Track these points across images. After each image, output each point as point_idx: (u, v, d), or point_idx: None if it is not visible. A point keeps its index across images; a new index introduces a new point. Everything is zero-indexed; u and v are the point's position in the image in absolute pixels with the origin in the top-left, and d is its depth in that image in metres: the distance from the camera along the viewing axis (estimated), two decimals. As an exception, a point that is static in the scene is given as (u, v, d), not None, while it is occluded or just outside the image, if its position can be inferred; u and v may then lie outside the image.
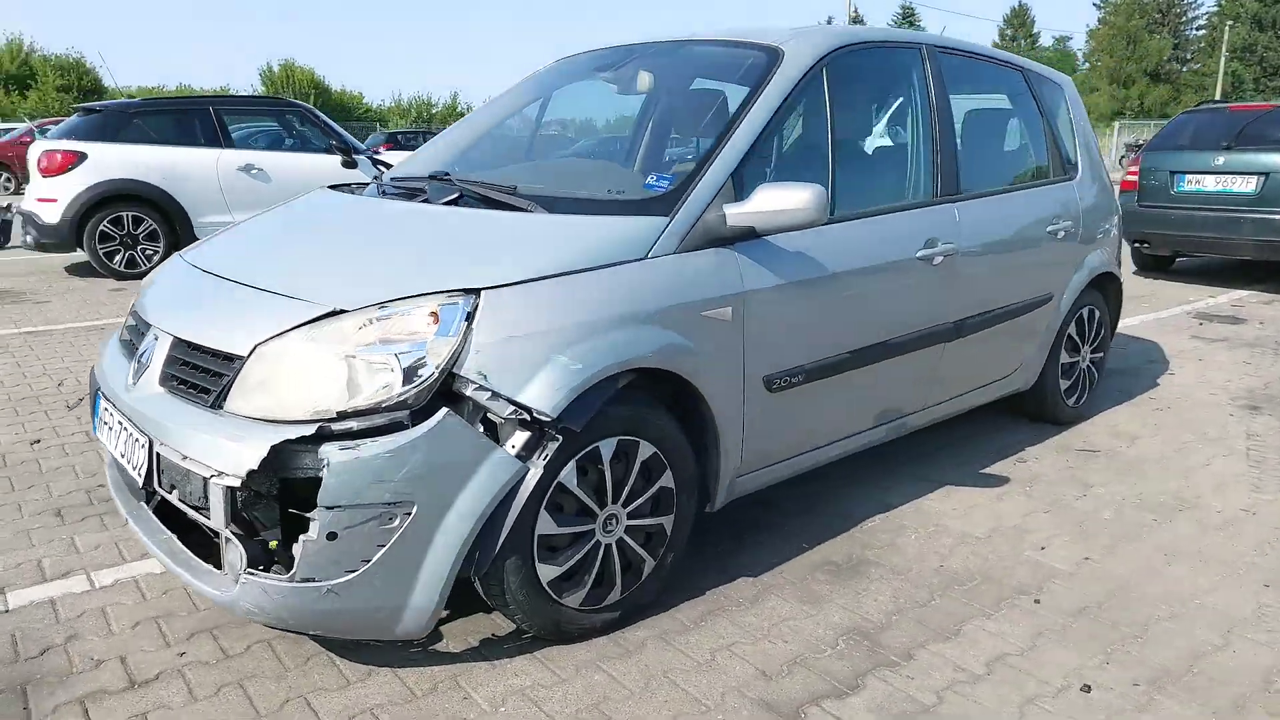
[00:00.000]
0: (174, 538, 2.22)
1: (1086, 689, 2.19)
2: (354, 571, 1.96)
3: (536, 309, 2.11)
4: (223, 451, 1.95)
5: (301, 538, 1.93)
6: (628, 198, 2.48)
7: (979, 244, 3.27)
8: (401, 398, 1.97)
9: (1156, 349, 5.70)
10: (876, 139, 3.22)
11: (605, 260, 2.26)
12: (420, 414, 1.98)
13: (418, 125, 41.25)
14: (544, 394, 2.06)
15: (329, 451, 1.91)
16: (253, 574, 1.97)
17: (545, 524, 2.18)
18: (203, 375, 2.13)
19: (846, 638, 2.40)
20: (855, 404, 2.98)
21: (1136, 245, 8.48)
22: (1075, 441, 3.98)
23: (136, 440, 2.17)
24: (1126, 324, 6.40)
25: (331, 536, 1.92)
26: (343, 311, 2.06)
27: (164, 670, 2.20)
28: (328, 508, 1.90)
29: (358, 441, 1.93)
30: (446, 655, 2.29)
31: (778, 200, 2.39)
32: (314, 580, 1.95)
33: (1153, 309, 7.03)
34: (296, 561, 1.94)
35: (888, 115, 3.23)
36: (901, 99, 3.20)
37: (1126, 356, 5.49)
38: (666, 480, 2.41)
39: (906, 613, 2.53)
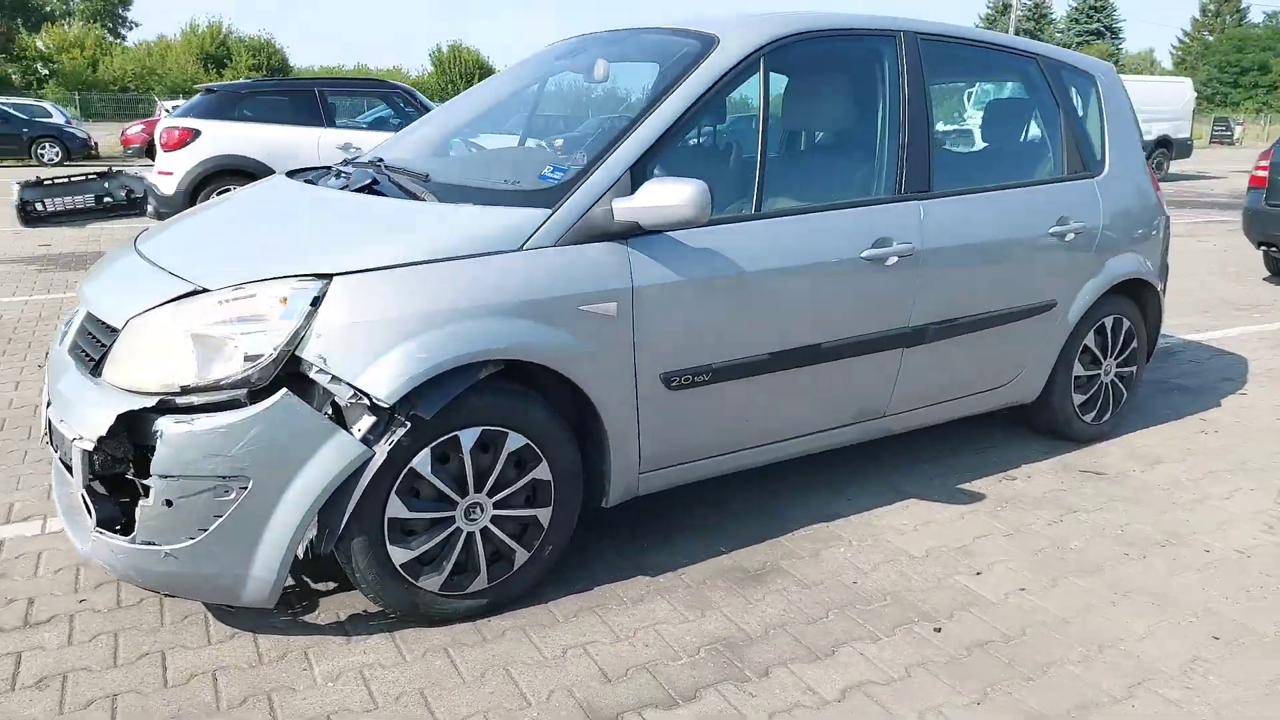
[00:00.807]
0: (78, 492, 2.39)
1: (936, 728, 2.05)
2: (192, 539, 2.07)
3: (388, 296, 2.15)
4: (83, 417, 2.09)
5: (140, 503, 2.05)
6: (518, 188, 2.47)
7: (950, 245, 3.06)
8: (243, 375, 2.06)
9: (1240, 364, 5.17)
10: (824, 133, 3.06)
11: (474, 250, 2.26)
12: (261, 393, 2.06)
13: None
14: (383, 380, 2.10)
15: (163, 424, 2.02)
16: (101, 533, 2.12)
17: (396, 507, 2.22)
18: (94, 345, 2.29)
19: (710, 648, 2.33)
20: (787, 407, 2.86)
21: (1265, 248, 7.68)
22: (1084, 461, 3.68)
23: (45, 400, 2.36)
24: (1223, 335, 5.84)
25: (168, 504, 2.04)
26: (205, 290, 2.16)
27: (58, 614, 2.40)
28: (161, 476, 2.02)
29: (193, 416, 2.03)
30: (312, 626, 2.38)
31: (659, 196, 2.32)
32: (154, 544, 2.08)
33: (1263, 320, 6.36)
34: (137, 525, 2.07)
35: (841, 108, 3.06)
36: (861, 91, 3.02)
37: (1201, 371, 5.01)
38: (542, 473, 2.41)
39: (789, 627, 2.43)
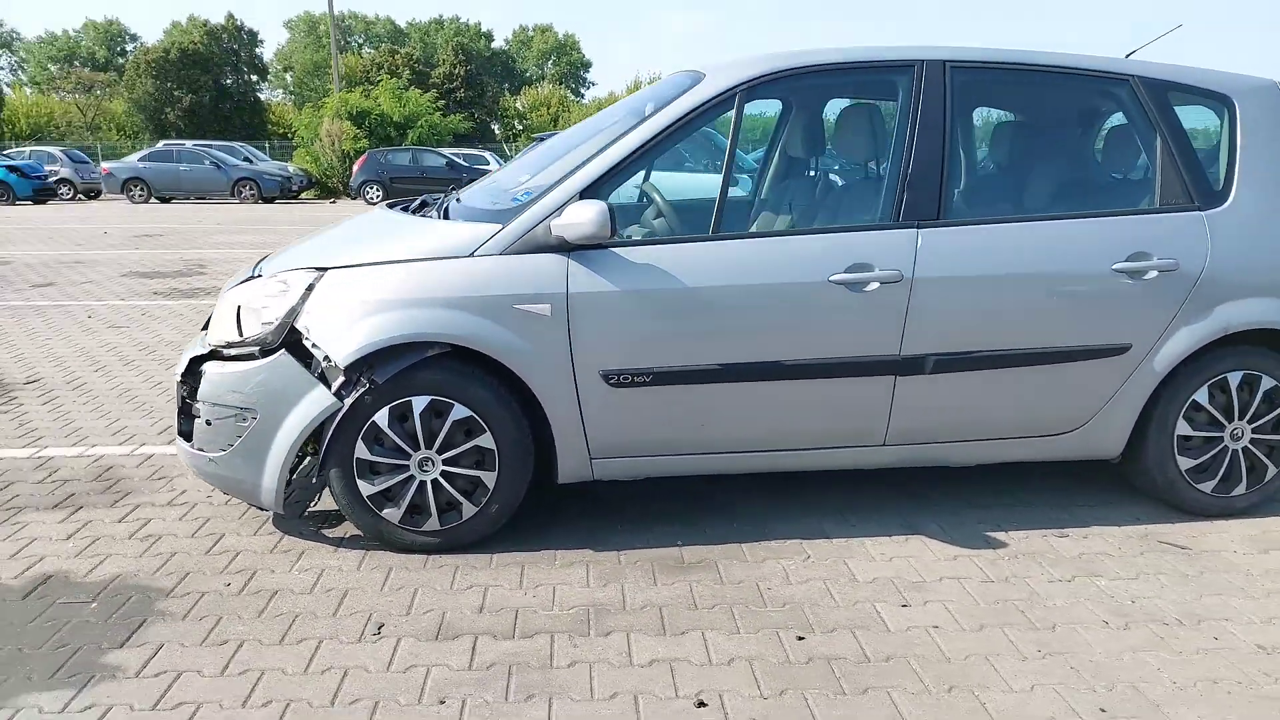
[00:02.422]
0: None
1: (701, 705, 2.19)
2: (223, 451, 2.92)
3: (358, 287, 2.83)
4: (179, 361, 3.06)
5: (195, 421, 2.95)
6: (493, 209, 3.02)
7: (959, 275, 2.99)
8: (259, 336, 2.87)
9: None
10: (808, 164, 3.13)
11: (434, 255, 2.86)
12: (271, 351, 2.86)
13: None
14: (340, 348, 2.78)
15: (208, 366, 2.90)
16: (179, 440, 3.06)
17: (361, 450, 2.88)
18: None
19: (581, 608, 2.65)
20: (751, 419, 3.02)
21: None
22: (1177, 534, 3.23)
23: None
24: None
25: (208, 423, 2.91)
26: (259, 276, 3.02)
27: (189, 502, 3.42)
28: (203, 402, 2.89)
29: (225, 363, 2.88)
30: (323, 538, 3.12)
31: (573, 215, 2.74)
32: (204, 451, 2.96)
33: None
34: (193, 435, 2.97)
35: (826, 140, 3.11)
36: (851, 123, 3.07)
37: None
38: (486, 442, 2.91)
39: (666, 608, 2.65)
